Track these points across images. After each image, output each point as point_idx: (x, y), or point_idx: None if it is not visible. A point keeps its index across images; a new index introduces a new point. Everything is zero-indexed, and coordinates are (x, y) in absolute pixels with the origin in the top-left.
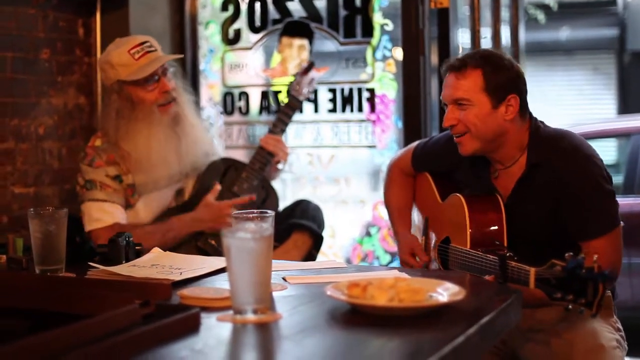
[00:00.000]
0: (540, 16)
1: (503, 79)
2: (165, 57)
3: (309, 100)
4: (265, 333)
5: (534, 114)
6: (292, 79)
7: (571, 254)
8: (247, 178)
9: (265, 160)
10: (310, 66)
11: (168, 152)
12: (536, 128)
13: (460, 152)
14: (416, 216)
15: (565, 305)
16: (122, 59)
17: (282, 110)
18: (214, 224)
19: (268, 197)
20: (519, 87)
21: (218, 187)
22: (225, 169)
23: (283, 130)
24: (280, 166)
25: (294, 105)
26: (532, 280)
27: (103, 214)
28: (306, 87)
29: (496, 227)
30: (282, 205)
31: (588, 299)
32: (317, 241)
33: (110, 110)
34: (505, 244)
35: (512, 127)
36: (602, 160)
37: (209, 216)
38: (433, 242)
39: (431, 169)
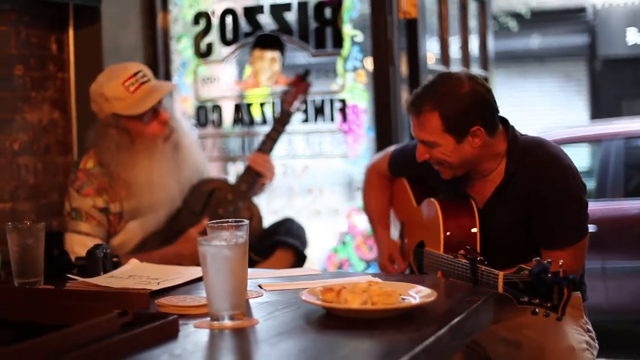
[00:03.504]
0: (512, 24)
1: (460, 115)
2: (161, 90)
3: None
4: (242, 338)
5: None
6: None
7: (538, 258)
8: (232, 200)
9: (253, 181)
10: (305, 75)
11: (168, 181)
12: (514, 137)
13: (442, 177)
14: (393, 220)
15: (531, 309)
16: (117, 92)
17: (272, 127)
18: (197, 260)
19: (252, 218)
20: (480, 114)
21: (205, 222)
22: (211, 191)
23: (272, 148)
24: (266, 186)
25: (285, 120)
26: (500, 284)
27: (83, 248)
28: (298, 99)
29: (469, 232)
30: (266, 222)
31: (554, 302)
32: (299, 259)
33: (107, 142)
34: (479, 249)
35: (483, 151)
36: (577, 170)
37: (190, 252)
38: (409, 246)
39: (407, 174)
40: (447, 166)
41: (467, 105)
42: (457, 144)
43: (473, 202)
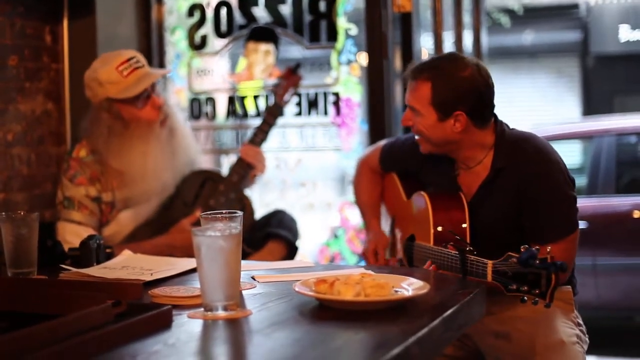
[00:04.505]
0: (505, 20)
1: (450, 94)
2: (154, 74)
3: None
4: (236, 328)
5: (499, 117)
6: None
7: (526, 246)
8: (224, 191)
9: (244, 172)
10: (295, 68)
11: (163, 168)
12: (501, 131)
13: (420, 150)
14: (384, 215)
15: (520, 297)
16: (111, 77)
17: (263, 119)
18: (188, 251)
19: (244, 210)
20: (469, 102)
21: (198, 213)
22: (203, 181)
23: (263, 140)
24: (257, 178)
25: (276, 112)
26: (489, 273)
27: (75, 237)
28: (289, 92)
29: (459, 224)
30: (258, 214)
31: (542, 289)
32: (291, 250)
33: (100, 128)
34: (468, 241)
35: (464, 137)
36: (565, 164)
37: (182, 243)
38: (399, 239)
39: (398, 169)
40: (426, 139)
41: (460, 89)
42: (438, 121)
43: (462, 195)
